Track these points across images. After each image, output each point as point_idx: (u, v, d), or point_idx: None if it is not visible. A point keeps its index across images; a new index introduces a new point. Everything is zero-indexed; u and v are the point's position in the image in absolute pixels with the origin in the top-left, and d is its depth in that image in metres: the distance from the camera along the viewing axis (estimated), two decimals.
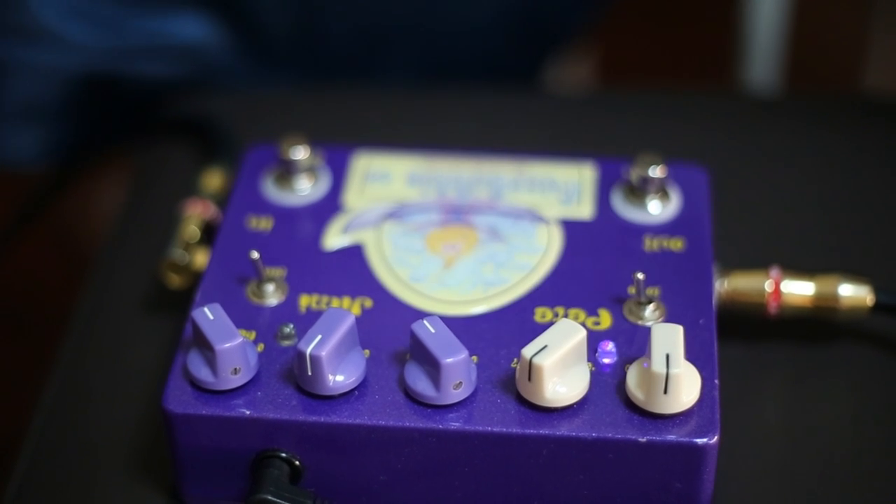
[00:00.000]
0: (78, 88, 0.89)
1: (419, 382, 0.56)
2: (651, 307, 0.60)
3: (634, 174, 0.66)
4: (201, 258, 0.67)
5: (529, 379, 0.55)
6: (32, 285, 1.24)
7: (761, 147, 0.80)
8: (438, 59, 0.97)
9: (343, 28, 0.94)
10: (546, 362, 0.55)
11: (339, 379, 0.57)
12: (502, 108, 0.85)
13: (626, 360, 0.58)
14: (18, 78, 0.88)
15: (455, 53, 0.97)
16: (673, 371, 0.54)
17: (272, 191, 0.68)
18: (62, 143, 0.92)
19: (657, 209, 0.66)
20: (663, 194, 0.66)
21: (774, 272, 0.65)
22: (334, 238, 0.65)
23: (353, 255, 0.64)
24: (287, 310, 0.61)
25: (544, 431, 0.55)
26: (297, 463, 0.57)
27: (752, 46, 1.12)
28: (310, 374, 0.56)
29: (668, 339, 0.56)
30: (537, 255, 0.64)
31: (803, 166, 0.79)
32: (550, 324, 0.57)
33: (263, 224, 0.66)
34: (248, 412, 0.57)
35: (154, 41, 0.90)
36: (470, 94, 0.87)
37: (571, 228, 0.65)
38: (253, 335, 0.60)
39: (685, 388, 0.55)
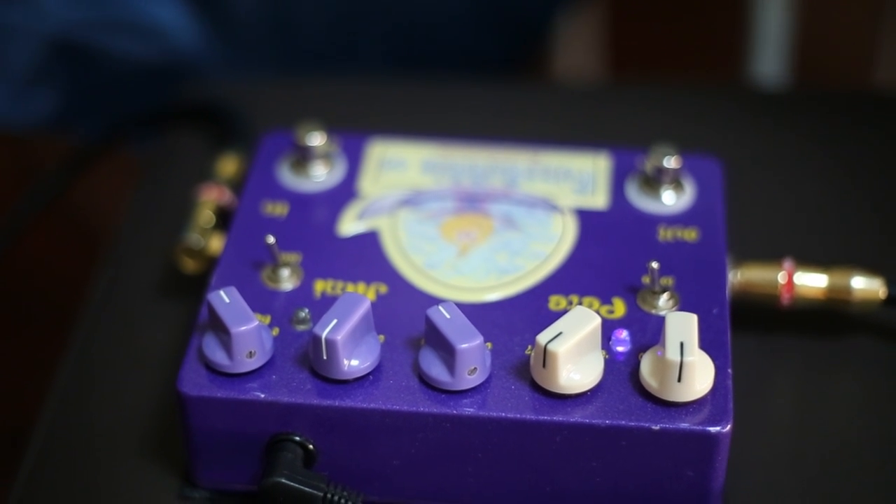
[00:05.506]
0: (49, 54, 0.89)
1: (434, 368, 0.57)
2: (665, 296, 0.60)
3: (649, 165, 0.66)
4: (216, 243, 0.67)
5: (544, 366, 0.56)
6: (45, 272, 1.24)
7: (774, 140, 0.80)
8: (413, 48, 0.97)
9: (315, 17, 0.94)
10: (561, 349, 0.55)
11: (353, 363, 0.57)
12: (515, 99, 0.85)
13: (639, 348, 0.58)
14: None
15: (430, 41, 0.97)
16: (687, 359, 0.55)
17: (288, 177, 0.68)
18: (33, 102, 0.92)
19: (671, 200, 0.66)
20: (677, 185, 0.66)
21: (788, 264, 0.65)
22: (349, 224, 0.65)
23: (369, 242, 0.64)
24: (302, 295, 0.61)
25: (558, 418, 0.56)
26: (311, 447, 0.57)
27: (762, 39, 1.12)
28: (325, 358, 0.56)
29: (682, 328, 0.56)
30: (552, 243, 0.64)
31: (817, 159, 0.79)
32: (565, 312, 0.58)
33: (279, 210, 0.66)
34: (262, 395, 0.57)
35: (126, 17, 0.90)
36: (480, 84, 0.87)
37: (586, 218, 0.66)
38: (268, 319, 0.60)
39: (699, 376, 0.56)
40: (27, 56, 0.90)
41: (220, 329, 0.57)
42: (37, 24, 0.88)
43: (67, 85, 0.93)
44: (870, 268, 0.65)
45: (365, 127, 0.75)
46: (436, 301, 0.60)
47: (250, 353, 0.57)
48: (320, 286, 0.62)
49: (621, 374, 0.57)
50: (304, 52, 0.95)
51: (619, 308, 0.61)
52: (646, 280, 0.61)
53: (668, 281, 0.61)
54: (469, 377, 0.56)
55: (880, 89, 1.24)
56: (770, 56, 1.12)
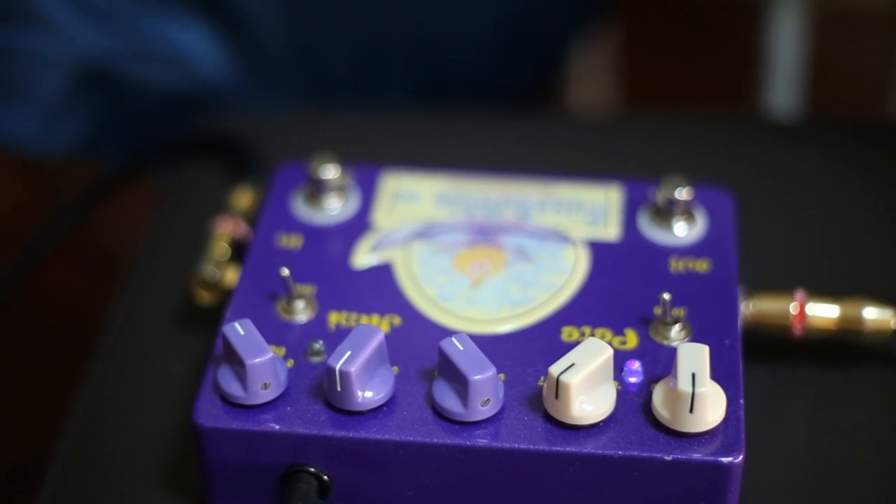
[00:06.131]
0: (76, 82, 0.90)
1: (447, 399, 0.57)
2: (677, 327, 0.61)
3: (661, 196, 0.67)
4: (231, 275, 0.68)
5: (556, 396, 0.56)
6: (62, 300, 1.25)
7: (787, 171, 0.81)
8: (434, 76, 0.98)
9: (339, 45, 0.95)
10: (573, 380, 0.55)
11: (367, 395, 0.57)
12: (528, 131, 0.85)
13: (651, 379, 0.59)
14: (13, 62, 0.89)
15: (450, 69, 0.98)
16: (699, 390, 0.55)
17: (302, 209, 0.69)
18: (61, 130, 0.93)
19: (683, 231, 0.67)
20: (689, 216, 0.67)
21: (799, 295, 0.65)
22: (363, 256, 0.66)
23: (382, 274, 0.65)
24: (316, 326, 0.62)
25: (571, 449, 0.56)
26: (326, 478, 0.58)
27: (776, 71, 1.13)
28: (339, 389, 0.57)
29: (694, 359, 0.56)
30: (564, 275, 0.64)
31: (828, 190, 0.79)
32: (577, 343, 0.58)
33: (293, 242, 0.67)
34: (277, 427, 0.57)
35: (152, 45, 0.91)
36: (494, 116, 0.88)
37: (598, 249, 0.66)
38: (283, 351, 0.60)
39: (711, 407, 0.56)
40: (55, 84, 0.91)
41: (235, 361, 0.58)
42: (64, 53, 0.89)
43: (95, 112, 0.93)
44: (881, 298, 0.65)
45: (381, 156, 0.75)
46: (449, 333, 0.60)
47: (265, 384, 0.57)
48: (334, 318, 0.62)
49: (633, 405, 0.58)
50: (328, 79, 0.96)
51: (632, 339, 0.61)
52: (658, 311, 0.61)
53: (679, 312, 0.62)
54: (482, 408, 0.57)
55: (893, 121, 1.24)
56: (783, 88, 1.13)
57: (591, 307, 0.63)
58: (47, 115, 0.92)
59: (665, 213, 0.67)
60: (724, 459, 0.55)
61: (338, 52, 0.95)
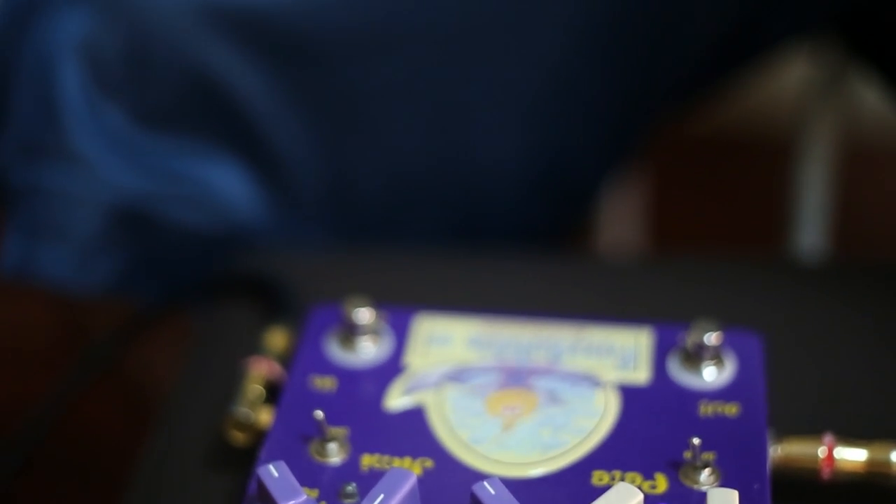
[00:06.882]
0: (108, 221, 0.92)
1: None
2: (706, 472, 0.61)
3: (690, 341, 0.67)
4: (265, 416, 0.69)
5: None
6: (96, 439, 1.25)
7: (815, 313, 0.81)
8: (465, 215, 0.99)
9: (372, 185, 0.96)
10: None
11: None
12: (558, 273, 0.86)
13: None
14: (48, 201, 0.91)
15: (481, 210, 1.00)
16: None
17: (336, 351, 0.70)
18: (96, 270, 0.94)
19: (712, 375, 0.67)
20: (718, 361, 0.68)
21: (828, 438, 0.66)
22: (396, 399, 0.67)
23: (415, 417, 0.66)
24: (349, 469, 0.62)
25: None
26: None
27: (803, 213, 1.14)
28: None
29: None
30: (595, 418, 0.65)
31: (856, 333, 0.79)
32: (608, 487, 0.58)
33: (328, 384, 0.68)
34: None
35: (184, 186, 0.92)
36: (525, 257, 0.89)
37: (628, 393, 0.67)
38: (316, 493, 0.61)
39: None
40: (89, 224, 0.92)
41: (269, 503, 0.58)
42: (97, 193, 0.91)
43: (129, 252, 0.95)
44: None
45: (413, 297, 0.76)
46: (481, 476, 0.60)
47: None
48: (367, 461, 0.63)
49: None
50: (360, 217, 0.98)
51: (661, 483, 0.61)
52: (687, 455, 0.62)
53: (709, 456, 0.62)
54: None
55: None
56: (812, 229, 1.13)
57: (622, 451, 0.63)
58: (81, 254, 0.94)
59: (694, 358, 0.67)
60: None
61: (370, 192, 0.97)
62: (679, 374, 0.68)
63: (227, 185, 0.93)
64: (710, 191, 1.46)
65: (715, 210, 1.45)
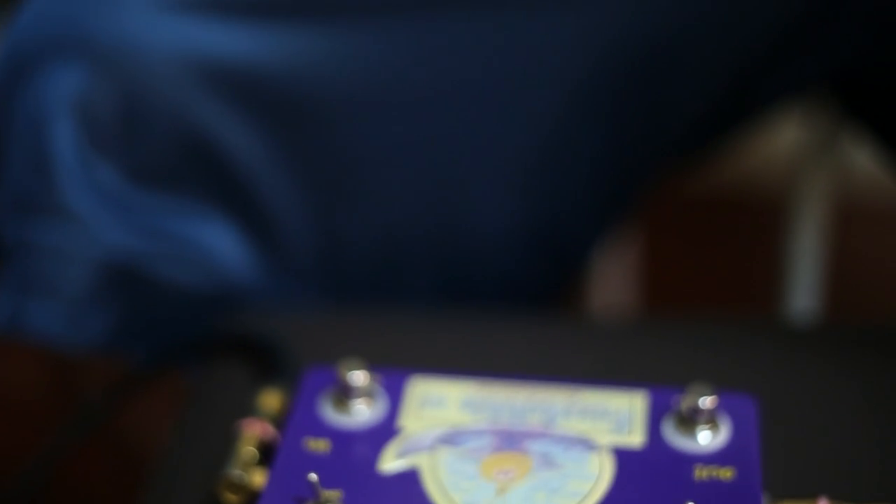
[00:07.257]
0: (99, 278, 0.91)
1: None
2: None
3: (685, 404, 0.67)
4: (259, 478, 0.68)
5: None
6: (87, 500, 1.25)
7: (809, 375, 0.81)
8: (457, 277, 0.99)
9: (364, 246, 0.96)
10: None
11: None
12: (551, 334, 0.86)
13: None
14: (39, 257, 0.91)
15: (473, 271, 1.00)
16: None
17: (330, 413, 0.69)
18: (87, 327, 0.94)
19: (707, 439, 0.67)
20: (713, 424, 0.68)
21: (823, 502, 0.65)
22: (390, 462, 0.67)
23: (409, 480, 0.65)
24: None
25: None
26: None
27: (796, 275, 1.14)
28: None
29: None
30: (590, 482, 0.65)
31: (851, 396, 0.79)
32: None
33: (321, 446, 0.68)
34: None
35: (176, 245, 0.92)
36: (518, 319, 0.89)
37: (623, 456, 0.67)
38: None
39: None
40: (80, 280, 0.92)
41: None
42: (89, 250, 0.91)
43: (120, 310, 0.95)
44: None
45: (406, 358, 0.76)
46: None
47: None
48: None
49: None
50: (352, 278, 0.98)
51: None
52: None
53: None
54: None
55: None
56: (804, 290, 1.14)
57: None
58: (72, 311, 0.93)
59: (689, 421, 0.67)
60: None
61: (363, 254, 0.97)
62: (674, 437, 0.68)
63: (219, 245, 0.93)
64: (704, 251, 1.47)
65: (708, 270, 1.45)
